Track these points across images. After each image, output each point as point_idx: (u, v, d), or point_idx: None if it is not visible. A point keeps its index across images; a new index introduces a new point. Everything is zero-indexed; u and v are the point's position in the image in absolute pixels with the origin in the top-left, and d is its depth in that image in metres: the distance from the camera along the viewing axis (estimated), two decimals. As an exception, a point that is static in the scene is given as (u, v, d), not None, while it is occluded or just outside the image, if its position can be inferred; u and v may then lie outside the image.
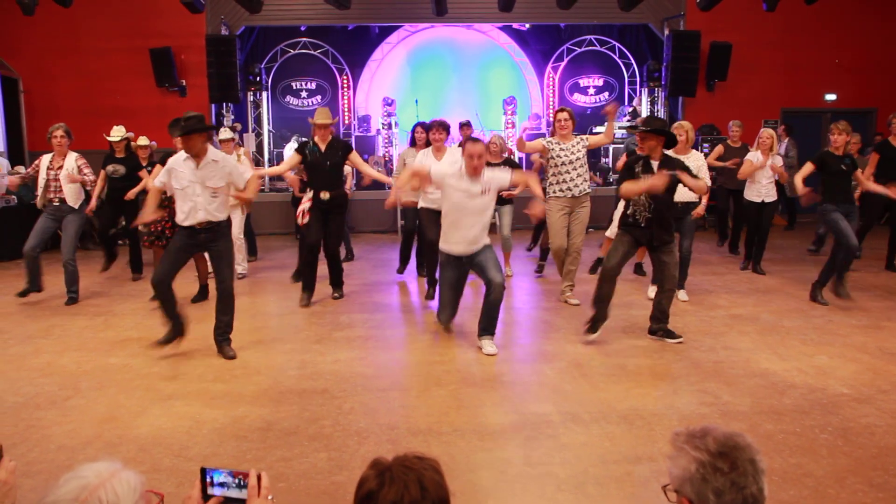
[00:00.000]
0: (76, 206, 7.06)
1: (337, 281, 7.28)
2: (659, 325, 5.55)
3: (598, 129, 13.60)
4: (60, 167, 6.98)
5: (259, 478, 1.82)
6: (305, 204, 6.77)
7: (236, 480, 1.83)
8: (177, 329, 5.29)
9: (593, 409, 4.16)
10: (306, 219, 6.75)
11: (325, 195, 6.69)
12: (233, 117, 13.35)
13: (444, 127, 6.63)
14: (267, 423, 4.00)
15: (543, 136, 10.75)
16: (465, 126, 8.24)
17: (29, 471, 3.44)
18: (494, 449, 3.66)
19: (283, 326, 6.19)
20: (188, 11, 10.95)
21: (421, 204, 6.84)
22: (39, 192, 7.03)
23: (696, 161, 6.75)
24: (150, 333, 5.61)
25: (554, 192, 6.69)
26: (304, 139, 7.28)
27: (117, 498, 1.49)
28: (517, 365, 5.07)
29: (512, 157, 8.50)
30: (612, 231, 7.96)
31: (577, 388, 4.53)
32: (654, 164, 5.40)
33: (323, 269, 7.27)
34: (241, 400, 4.37)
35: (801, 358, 5.07)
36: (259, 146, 13.89)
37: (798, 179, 6.67)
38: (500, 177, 5.35)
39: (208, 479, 1.84)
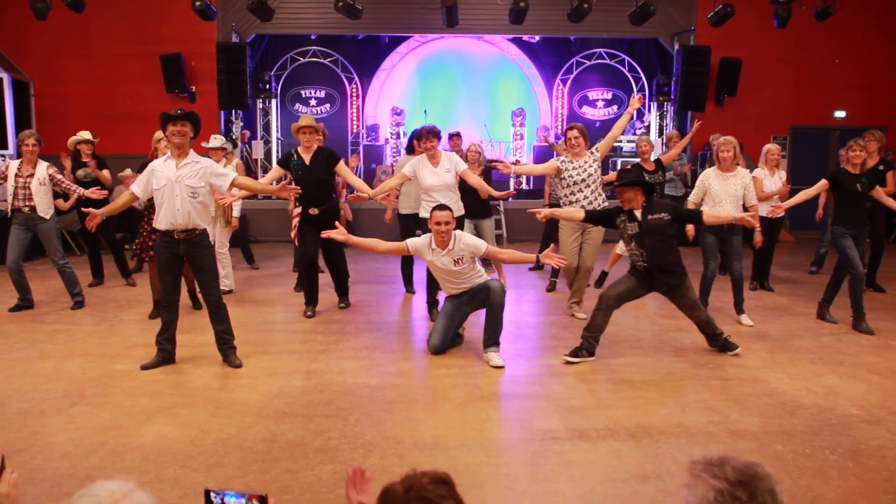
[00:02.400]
0: (47, 217, 6.92)
1: (342, 290, 7.21)
2: (715, 343, 5.56)
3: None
4: (31, 175, 6.82)
5: None
6: (295, 220, 6.69)
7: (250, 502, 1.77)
8: (165, 355, 5.21)
9: (600, 425, 4.13)
10: (296, 238, 6.66)
11: (314, 211, 6.58)
12: (242, 124, 13.40)
13: (435, 134, 6.43)
14: (272, 434, 3.98)
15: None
16: (454, 137, 8.13)
17: (33, 478, 3.41)
18: (500, 465, 3.63)
19: (288, 336, 6.17)
20: (199, 18, 11.03)
21: (422, 214, 6.61)
22: (8, 199, 6.90)
23: (742, 180, 6.49)
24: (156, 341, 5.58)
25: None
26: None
27: None
28: (524, 379, 5.03)
29: (491, 165, 8.35)
30: (621, 247, 7.93)
31: (583, 403, 4.50)
32: (637, 213, 5.31)
33: (326, 277, 7.27)
34: (247, 410, 4.34)
35: (810, 377, 5.03)
36: (268, 154, 13.92)
37: (801, 196, 6.38)
38: (473, 246, 5.38)
39: (216, 500, 1.78)
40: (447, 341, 5.61)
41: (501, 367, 5.22)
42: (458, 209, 6.35)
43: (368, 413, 4.30)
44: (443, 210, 5.33)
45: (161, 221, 5.04)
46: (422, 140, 6.42)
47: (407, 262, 8.04)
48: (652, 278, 5.35)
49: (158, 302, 6.30)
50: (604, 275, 8.27)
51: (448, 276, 5.52)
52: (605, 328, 5.40)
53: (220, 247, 7.83)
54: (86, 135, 8.15)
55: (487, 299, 5.43)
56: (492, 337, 5.39)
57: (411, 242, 5.56)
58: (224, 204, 6.48)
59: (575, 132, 6.60)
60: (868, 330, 6.20)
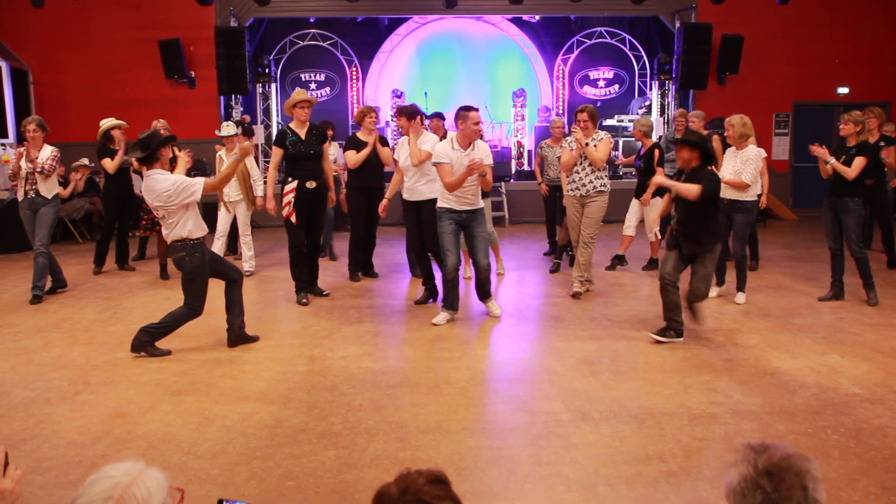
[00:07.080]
0: (49, 198, 6.94)
1: (314, 279, 7.05)
2: (673, 321, 5.37)
3: (608, 121, 13.59)
4: (37, 159, 6.85)
5: None
6: (290, 196, 6.51)
7: None
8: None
9: (603, 407, 4.14)
10: (293, 214, 6.50)
11: (311, 184, 6.57)
12: (241, 109, 13.35)
13: (404, 113, 6.61)
14: (276, 419, 4.00)
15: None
16: (434, 118, 8.05)
17: (39, 467, 3.44)
18: (503, 448, 3.65)
19: (291, 321, 6.19)
20: (197, 3, 10.93)
21: (403, 196, 6.76)
22: (20, 185, 6.94)
23: (743, 156, 6.40)
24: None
25: (568, 190, 6.88)
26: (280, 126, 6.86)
27: (150, 494, 1.50)
28: (526, 362, 5.05)
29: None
30: (627, 229, 7.93)
31: (586, 385, 4.51)
32: (685, 175, 5.43)
33: (326, 263, 7.27)
34: (251, 396, 4.37)
35: (812, 356, 5.03)
36: (268, 138, 13.87)
37: (852, 170, 6.11)
38: (483, 150, 5.83)
39: None
40: (460, 257, 5.99)
41: (499, 316, 6.02)
42: (430, 192, 6.37)
43: (372, 398, 4.32)
44: (476, 110, 5.81)
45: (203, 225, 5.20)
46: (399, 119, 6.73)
47: (411, 247, 7.97)
48: (682, 245, 5.36)
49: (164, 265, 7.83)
50: (616, 258, 8.22)
51: (457, 172, 5.72)
52: (679, 303, 5.34)
53: (245, 229, 8.03)
54: (119, 121, 8.15)
55: (475, 261, 5.93)
56: (484, 293, 5.98)
57: (436, 155, 5.85)
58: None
59: (585, 115, 6.62)
60: (829, 297, 6.51)
